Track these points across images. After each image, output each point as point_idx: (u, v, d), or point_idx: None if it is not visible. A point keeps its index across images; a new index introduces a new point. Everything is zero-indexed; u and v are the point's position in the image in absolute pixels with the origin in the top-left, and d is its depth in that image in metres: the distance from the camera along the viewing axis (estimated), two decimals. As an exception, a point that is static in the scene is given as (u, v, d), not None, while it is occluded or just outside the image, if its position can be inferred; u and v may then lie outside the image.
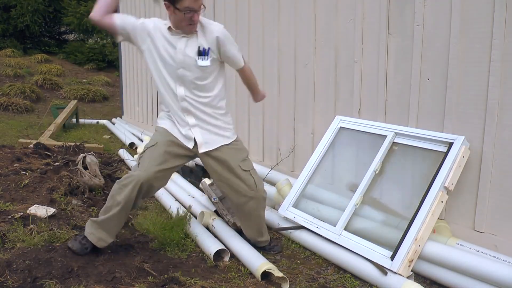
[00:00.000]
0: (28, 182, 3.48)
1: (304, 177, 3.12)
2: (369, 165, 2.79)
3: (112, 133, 7.32)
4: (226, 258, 2.63)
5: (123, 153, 5.33)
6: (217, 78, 2.49)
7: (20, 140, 5.65)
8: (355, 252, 2.49)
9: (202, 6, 2.32)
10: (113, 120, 8.23)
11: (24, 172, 3.73)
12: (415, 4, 2.72)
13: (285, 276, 2.34)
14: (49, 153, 4.55)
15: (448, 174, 2.42)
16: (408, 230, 2.36)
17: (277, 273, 2.36)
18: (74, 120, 8.00)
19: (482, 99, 2.44)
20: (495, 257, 2.28)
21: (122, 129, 7.22)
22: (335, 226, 2.69)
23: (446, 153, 2.49)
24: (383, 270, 2.29)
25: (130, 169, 4.65)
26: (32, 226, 2.74)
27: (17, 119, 8.28)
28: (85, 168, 3.61)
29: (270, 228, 3.02)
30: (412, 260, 2.30)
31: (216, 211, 3.16)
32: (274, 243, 2.84)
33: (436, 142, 2.60)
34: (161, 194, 3.64)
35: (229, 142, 2.53)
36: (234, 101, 4.40)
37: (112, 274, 2.27)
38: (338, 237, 2.63)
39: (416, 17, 2.72)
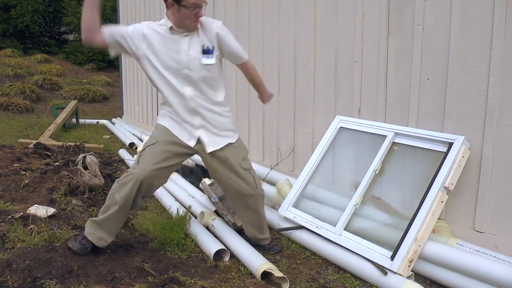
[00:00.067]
0: (28, 182, 3.48)
1: (304, 177, 3.12)
2: (369, 165, 2.79)
3: (112, 133, 7.32)
4: (226, 258, 2.63)
5: (123, 153, 5.33)
6: (220, 75, 2.50)
7: (20, 140, 5.65)
8: (355, 252, 2.49)
9: (205, 2, 2.32)
10: (113, 120, 8.23)
11: (24, 172, 3.73)
12: (415, 4, 2.72)
13: (285, 276, 2.34)
14: (49, 153, 4.55)
15: (448, 174, 2.42)
16: (408, 230, 2.36)
17: (277, 273, 2.36)
18: (74, 120, 7.99)
19: (482, 99, 2.44)
20: (495, 257, 2.28)
21: (122, 129, 7.22)
22: (335, 226, 2.69)
23: (446, 153, 2.49)
24: (383, 270, 2.29)
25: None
26: (32, 226, 2.74)
27: (17, 119, 8.28)
28: (85, 168, 3.61)
29: (270, 228, 3.02)
30: (412, 260, 2.30)
31: (216, 211, 3.16)
32: (274, 242, 2.84)
33: (436, 142, 2.60)
34: (161, 194, 3.64)
35: (233, 141, 2.55)
36: (234, 101, 4.40)
37: (112, 274, 2.28)
38: (338, 237, 2.63)
39: (416, 17, 2.72)
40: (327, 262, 2.64)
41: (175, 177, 4.09)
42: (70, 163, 3.96)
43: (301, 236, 2.86)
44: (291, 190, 3.15)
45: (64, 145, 4.87)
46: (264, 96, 2.77)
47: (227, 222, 3.00)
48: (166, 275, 2.32)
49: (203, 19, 2.38)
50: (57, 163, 3.99)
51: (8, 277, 2.17)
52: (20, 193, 3.33)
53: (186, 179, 4.15)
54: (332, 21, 3.30)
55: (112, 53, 2.41)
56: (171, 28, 2.36)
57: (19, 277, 2.18)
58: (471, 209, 2.53)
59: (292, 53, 3.70)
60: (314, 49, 3.49)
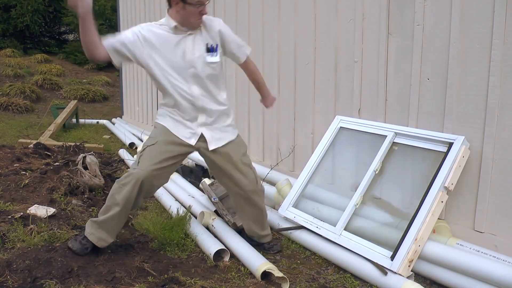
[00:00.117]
0: (28, 182, 3.48)
1: (304, 177, 3.12)
2: (369, 165, 2.79)
3: (112, 133, 7.32)
4: (226, 258, 2.63)
5: (123, 153, 5.33)
6: (222, 73, 2.52)
7: (20, 140, 5.65)
8: (355, 252, 2.49)
9: None
10: (113, 120, 8.23)
11: (24, 172, 3.73)
12: (415, 4, 2.72)
13: (285, 276, 2.34)
14: (49, 153, 4.55)
15: (448, 174, 2.42)
16: (408, 230, 2.36)
17: (277, 273, 2.36)
18: (74, 120, 7.99)
19: (482, 99, 2.44)
20: (495, 257, 2.28)
21: (122, 129, 7.22)
22: (335, 226, 2.69)
23: (446, 153, 2.49)
24: (383, 270, 2.29)
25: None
26: (32, 226, 2.74)
27: (17, 119, 8.28)
28: (85, 168, 3.61)
29: (270, 228, 3.02)
30: (412, 260, 2.30)
31: (216, 211, 3.16)
32: (274, 242, 2.84)
33: (436, 142, 2.60)
34: (161, 194, 3.64)
35: (234, 138, 2.57)
36: (234, 101, 4.40)
37: (112, 274, 2.28)
38: (338, 237, 2.63)
39: (416, 17, 2.72)
40: (327, 262, 2.64)
41: (175, 177, 4.09)
42: (70, 163, 3.96)
43: (301, 236, 2.86)
44: (291, 190, 3.15)
45: (64, 145, 4.87)
46: (266, 99, 2.77)
47: (227, 222, 3.00)
48: (166, 275, 2.32)
49: (204, 17, 2.38)
50: (57, 163, 3.99)
51: (8, 277, 2.17)
52: (20, 193, 3.33)
53: (186, 179, 4.15)
54: (332, 21, 3.30)
55: (116, 62, 2.37)
56: (175, 27, 2.34)
57: (19, 277, 2.18)
58: (471, 209, 2.53)
59: (292, 53, 3.70)
60: (314, 49, 3.49)
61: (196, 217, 3.16)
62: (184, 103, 2.42)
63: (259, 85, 2.73)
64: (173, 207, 3.30)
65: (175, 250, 2.69)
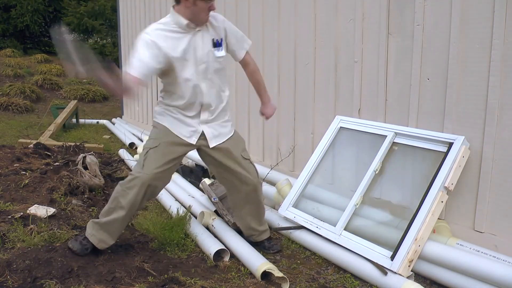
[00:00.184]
0: (28, 182, 3.48)
1: (304, 177, 3.12)
2: (369, 165, 2.79)
3: (112, 133, 7.32)
4: (226, 258, 2.63)
5: (123, 153, 5.33)
6: (225, 69, 2.53)
7: (20, 140, 5.65)
8: (355, 252, 2.49)
9: None
10: (113, 120, 8.23)
11: (24, 172, 3.73)
12: (415, 4, 2.71)
13: (285, 276, 2.34)
14: (49, 153, 4.55)
15: (448, 174, 2.42)
16: (408, 230, 2.35)
17: (277, 273, 2.36)
18: (74, 120, 7.99)
19: (482, 99, 2.44)
20: (495, 257, 2.28)
21: (122, 129, 7.22)
22: (335, 226, 2.69)
23: (446, 153, 2.49)
24: (383, 270, 2.29)
25: (130, 169, 4.65)
26: (32, 226, 2.74)
27: (17, 119, 8.28)
28: (85, 168, 3.61)
29: (270, 228, 3.02)
30: (412, 260, 2.30)
31: (216, 211, 3.16)
32: (274, 242, 2.84)
33: (436, 142, 2.60)
34: (161, 194, 3.64)
35: (232, 133, 2.59)
36: (234, 101, 4.40)
37: (112, 274, 2.28)
38: (338, 237, 2.63)
39: (416, 17, 2.72)
40: (327, 262, 2.64)
41: (175, 177, 4.09)
42: (70, 163, 3.96)
43: (301, 236, 2.86)
44: (291, 190, 3.15)
45: (64, 145, 4.87)
46: (267, 105, 2.74)
47: (227, 222, 3.00)
48: (166, 275, 2.32)
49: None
50: (57, 163, 3.99)
51: (8, 277, 2.17)
52: (20, 193, 3.33)
53: (186, 179, 4.15)
54: (332, 21, 3.30)
55: (148, 82, 2.35)
56: (187, 25, 2.31)
57: (19, 277, 2.18)
58: (471, 209, 2.53)
59: (292, 53, 3.70)
60: (314, 49, 3.49)
61: (196, 217, 3.16)
62: (193, 100, 2.41)
63: (259, 87, 2.71)
64: (173, 207, 3.30)
65: (175, 250, 2.69)
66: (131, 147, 6.07)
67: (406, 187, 2.70)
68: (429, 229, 2.36)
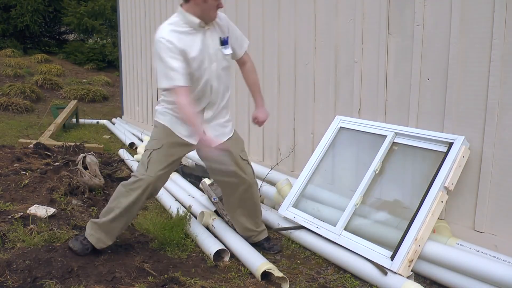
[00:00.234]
0: (28, 182, 3.48)
1: (304, 177, 3.12)
2: (369, 165, 2.79)
3: (112, 133, 7.31)
4: (226, 258, 2.63)
5: (123, 153, 5.33)
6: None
7: (20, 140, 5.65)
8: (355, 252, 2.49)
9: None
10: (113, 120, 8.23)
11: (24, 172, 3.73)
12: (415, 4, 2.71)
13: (285, 276, 2.34)
14: (49, 153, 4.55)
15: (448, 174, 2.42)
16: (408, 230, 2.35)
17: (277, 273, 2.36)
18: (74, 120, 7.99)
19: (482, 99, 2.44)
20: (495, 257, 2.28)
21: (122, 129, 7.22)
22: (335, 226, 2.69)
23: (446, 153, 2.49)
24: (383, 270, 2.29)
25: (130, 169, 4.65)
26: (32, 226, 2.74)
27: (17, 119, 8.28)
28: (85, 168, 3.61)
29: (270, 228, 3.02)
30: (412, 260, 2.30)
31: (216, 211, 3.16)
32: (274, 242, 2.84)
33: (436, 142, 2.60)
34: (161, 194, 3.64)
35: (232, 134, 2.60)
36: (234, 101, 4.40)
37: (112, 274, 2.28)
38: (338, 237, 2.63)
39: (416, 17, 2.72)
40: (327, 262, 2.64)
41: (175, 177, 4.09)
42: (70, 163, 3.96)
43: (301, 236, 2.86)
44: (291, 190, 3.14)
45: (64, 145, 4.87)
46: (260, 109, 2.67)
47: (227, 222, 3.00)
48: (166, 275, 2.32)
49: None
50: (57, 163, 3.99)
51: (8, 277, 2.18)
52: (20, 193, 3.33)
53: (186, 179, 4.15)
54: (332, 21, 3.30)
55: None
56: (199, 24, 2.30)
57: (19, 277, 2.18)
58: (471, 209, 2.53)
59: (292, 53, 3.70)
60: (314, 49, 3.49)
61: (196, 217, 3.16)
62: (201, 99, 2.42)
63: (255, 87, 2.69)
64: (173, 207, 3.30)
65: (175, 250, 2.69)
66: (131, 147, 6.06)
67: (406, 187, 2.70)
68: (429, 229, 2.36)
